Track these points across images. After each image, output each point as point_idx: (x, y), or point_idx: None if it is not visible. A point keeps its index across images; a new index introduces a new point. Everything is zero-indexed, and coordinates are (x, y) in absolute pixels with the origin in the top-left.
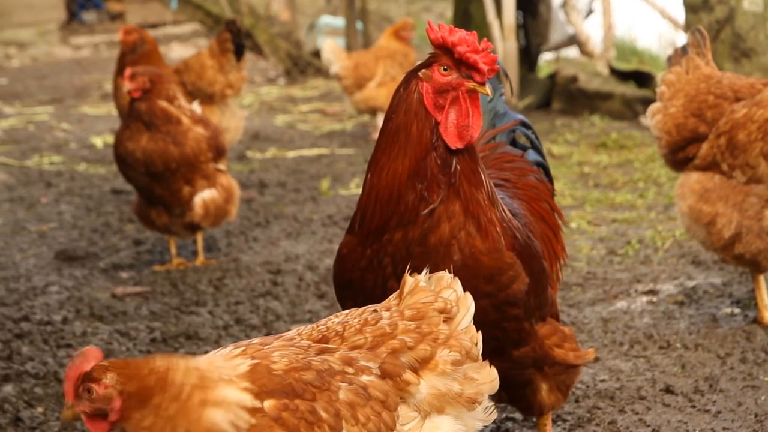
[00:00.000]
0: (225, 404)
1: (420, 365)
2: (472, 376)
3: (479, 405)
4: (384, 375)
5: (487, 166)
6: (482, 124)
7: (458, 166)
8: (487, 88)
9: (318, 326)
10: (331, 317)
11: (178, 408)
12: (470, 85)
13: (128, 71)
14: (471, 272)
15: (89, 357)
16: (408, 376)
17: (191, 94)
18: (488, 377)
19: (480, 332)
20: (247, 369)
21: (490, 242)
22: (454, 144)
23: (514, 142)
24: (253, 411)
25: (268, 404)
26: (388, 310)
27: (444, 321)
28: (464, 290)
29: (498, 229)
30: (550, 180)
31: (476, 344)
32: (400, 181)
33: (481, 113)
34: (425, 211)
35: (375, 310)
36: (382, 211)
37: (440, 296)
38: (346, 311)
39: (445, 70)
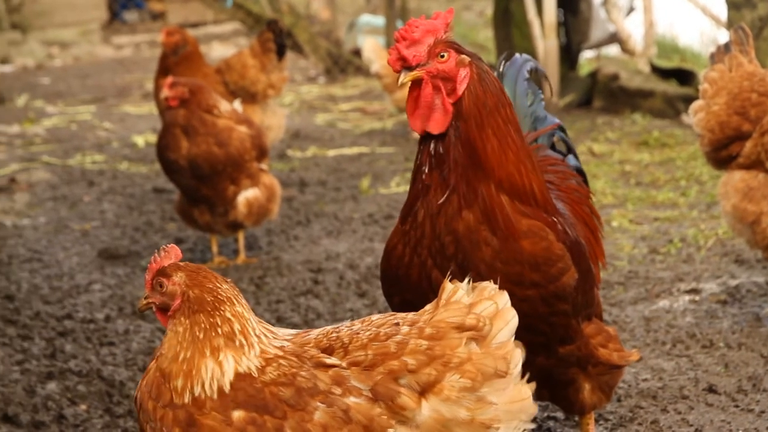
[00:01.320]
0: (221, 366)
1: (423, 389)
2: (490, 400)
3: (495, 430)
4: (376, 397)
5: None
6: (435, 118)
7: (451, 158)
8: (401, 77)
9: (330, 333)
10: (350, 323)
11: (203, 337)
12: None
13: (170, 79)
14: (512, 257)
15: (170, 254)
16: (403, 400)
17: (233, 94)
18: (514, 397)
19: (527, 326)
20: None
21: (522, 228)
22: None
23: (552, 147)
24: (221, 392)
25: (237, 415)
26: (412, 324)
27: (473, 338)
28: (509, 277)
29: (529, 220)
30: (587, 184)
31: (508, 360)
32: (415, 168)
33: (420, 102)
34: (441, 200)
35: (397, 323)
36: (408, 197)
37: (473, 311)
38: (369, 318)
39: None
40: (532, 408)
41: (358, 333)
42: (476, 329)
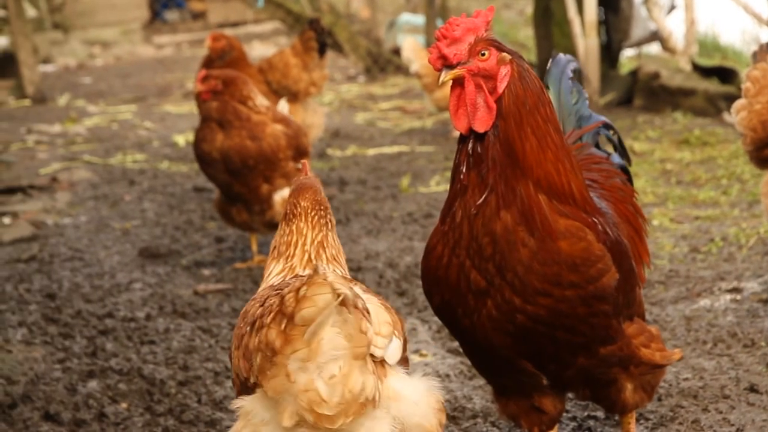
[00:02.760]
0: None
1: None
2: (277, 362)
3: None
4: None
5: None
6: (477, 116)
7: (489, 157)
8: (441, 76)
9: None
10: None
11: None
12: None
13: (203, 72)
14: (550, 258)
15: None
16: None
17: (276, 93)
18: (280, 382)
19: (566, 326)
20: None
21: (560, 228)
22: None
23: (597, 145)
24: None
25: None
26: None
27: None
28: (546, 278)
29: (567, 220)
30: (631, 183)
31: (285, 343)
32: (453, 167)
33: (463, 101)
34: (480, 201)
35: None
36: (447, 197)
37: (299, 290)
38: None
39: None
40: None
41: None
42: (282, 304)
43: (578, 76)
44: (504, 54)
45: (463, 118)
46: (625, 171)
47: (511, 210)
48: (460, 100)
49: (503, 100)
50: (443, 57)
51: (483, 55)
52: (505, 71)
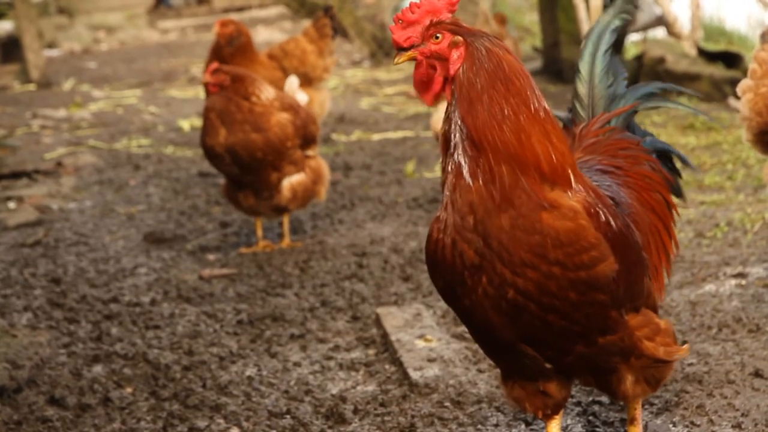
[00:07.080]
0: None
1: None
2: None
3: None
4: None
5: (599, 152)
6: (430, 95)
7: (451, 134)
8: (397, 59)
9: None
10: None
11: None
12: None
13: (214, 65)
14: (530, 225)
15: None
16: None
17: None
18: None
19: (560, 312)
20: None
21: (520, 200)
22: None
23: (631, 128)
24: None
25: None
26: None
27: None
28: (531, 248)
29: (543, 196)
30: (673, 169)
31: None
32: None
33: (423, 81)
34: (452, 174)
35: None
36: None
37: None
38: None
39: None
40: None
41: None
42: None
43: (623, 34)
44: (457, 37)
45: (424, 97)
46: (664, 155)
47: (478, 180)
48: (419, 80)
49: (456, 80)
50: (395, 41)
51: (437, 38)
52: (457, 54)
